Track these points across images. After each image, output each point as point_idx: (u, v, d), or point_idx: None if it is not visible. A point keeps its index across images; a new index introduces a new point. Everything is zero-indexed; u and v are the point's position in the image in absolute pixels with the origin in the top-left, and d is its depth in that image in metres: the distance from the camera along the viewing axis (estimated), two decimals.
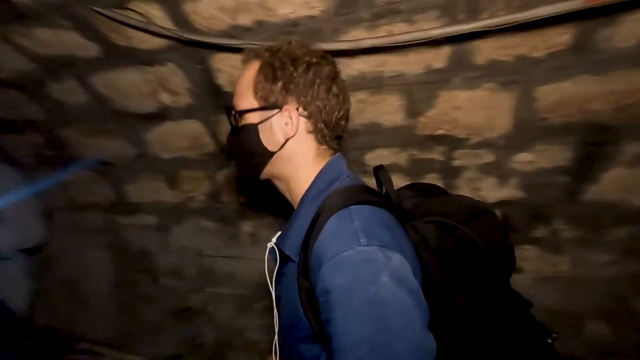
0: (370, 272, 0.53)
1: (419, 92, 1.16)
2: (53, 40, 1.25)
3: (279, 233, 0.73)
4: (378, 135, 1.31)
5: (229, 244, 1.80)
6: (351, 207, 0.59)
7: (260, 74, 0.68)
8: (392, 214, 0.64)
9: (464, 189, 1.36)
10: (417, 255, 0.62)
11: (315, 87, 0.67)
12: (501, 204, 1.36)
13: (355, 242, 0.54)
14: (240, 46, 1.06)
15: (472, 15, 0.94)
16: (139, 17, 1.08)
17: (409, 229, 0.65)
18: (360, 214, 0.59)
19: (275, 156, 0.69)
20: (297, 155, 0.69)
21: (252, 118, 0.69)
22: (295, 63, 0.67)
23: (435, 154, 1.32)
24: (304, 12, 1.01)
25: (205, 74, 1.27)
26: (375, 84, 1.17)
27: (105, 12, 1.05)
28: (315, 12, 1.01)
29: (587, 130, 1.12)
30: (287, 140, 0.68)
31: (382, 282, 0.52)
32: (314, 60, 0.68)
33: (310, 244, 0.58)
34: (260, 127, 0.68)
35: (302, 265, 0.60)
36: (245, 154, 0.72)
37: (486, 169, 1.30)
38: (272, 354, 0.73)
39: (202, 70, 1.27)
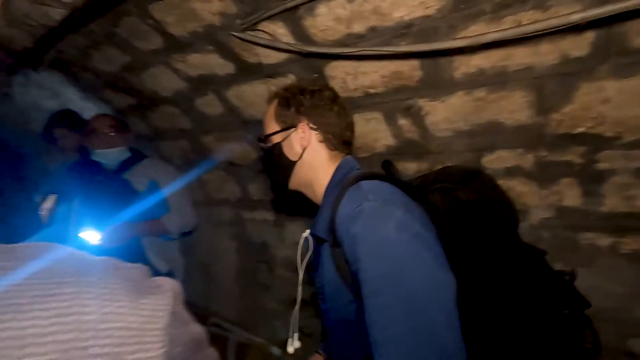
0: (378, 220, 0.66)
1: (553, 85, 1.03)
2: (200, 63, 1.51)
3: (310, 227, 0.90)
4: (498, 135, 1.20)
5: None
6: (361, 181, 0.75)
7: (279, 106, 0.91)
8: (401, 188, 0.77)
9: (612, 197, 1.15)
10: (431, 220, 0.73)
11: (319, 107, 0.89)
12: None
13: (364, 199, 0.69)
14: (353, 54, 1.11)
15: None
16: (266, 36, 1.22)
17: (420, 200, 0.77)
18: (369, 183, 0.74)
19: (297, 164, 0.89)
20: (314, 161, 0.89)
21: (276, 139, 0.91)
22: (303, 92, 0.90)
23: (573, 155, 1.14)
24: (419, 12, 1.00)
25: (320, 81, 1.36)
26: (497, 79, 1.08)
27: (240, 35, 1.22)
28: (430, 11, 0.98)
29: None
30: (304, 150, 0.89)
31: (389, 229, 0.64)
32: (317, 88, 0.91)
33: (333, 218, 0.73)
34: (283, 143, 0.90)
35: (332, 238, 0.74)
36: (274, 167, 0.93)
37: None
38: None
39: (317, 79, 1.36)
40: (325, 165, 0.89)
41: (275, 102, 0.93)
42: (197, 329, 0.30)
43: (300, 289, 0.93)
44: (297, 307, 0.95)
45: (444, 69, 1.12)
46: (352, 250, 0.66)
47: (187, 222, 1.92)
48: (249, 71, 1.46)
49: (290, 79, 1.41)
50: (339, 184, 0.80)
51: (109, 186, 1.81)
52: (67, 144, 2.04)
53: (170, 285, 0.29)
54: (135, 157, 1.90)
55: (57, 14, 1.37)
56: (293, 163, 0.89)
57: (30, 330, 0.21)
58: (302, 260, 0.92)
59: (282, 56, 1.31)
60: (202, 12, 1.22)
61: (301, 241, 0.92)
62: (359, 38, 1.13)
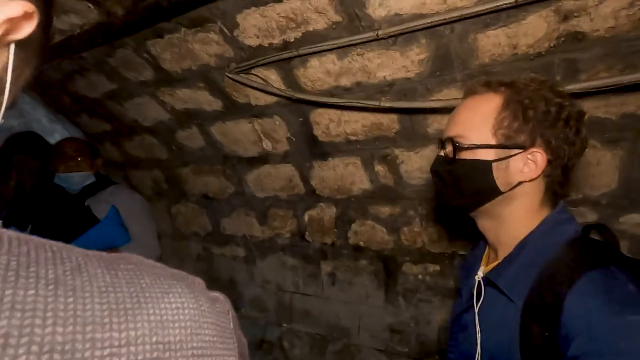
0: None
1: None
2: (188, 97, 1.56)
3: (482, 269, 0.74)
4: None
5: (308, 282, 1.88)
6: (612, 266, 0.57)
7: (507, 111, 0.65)
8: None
9: None
10: None
11: (567, 129, 0.63)
12: None
13: (637, 306, 0.52)
14: (341, 104, 1.22)
15: (572, 77, 0.96)
16: (259, 80, 1.30)
17: None
18: (629, 277, 0.56)
19: (502, 196, 0.67)
20: (525, 198, 0.67)
21: (484, 154, 0.66)
22: (548, 103, 0.63)
23: None
24: (401, 74, 1.13)
25: (304, 125, 1.45)
26: None
27: (235, 77, 1.30)
28: (411, 74, 1.12)
29: None
30: (520, 182, 0.65)
31: None
32: (565, 101, 0.64)
33: (555, 290, 0.57)
34: (495, 165, 0.65)
35: (533, 310, 0.59)
36: (465, 187, 0.69)
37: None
38: None
39: (302, 123, 1.45)
40: (535, 208, 0.67)
41: (497, 100, 0.66)
42: (244, 338, 0.34)
43: (479, 349, 0.68)
44: None
45: (419, 124, 1.24)
46: (591, 356, 0.51)
47: (149, 255, 1.84)
48: (236, 110, 1.52)
49: (275, 120, 1.49)
50: (550, 239, 0.64)
51: (68, 212, 1.73)
52: (24, 170, 1.94)
53: (221, 295, 0.34)
54: (101, 184, 1.84)
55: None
56: (499, 194, 0.66)
57: (165, 317, 0.26)
58: (477, 310, 0.70)
59: (272, 99, 1.40)
60: (200, 53, 1.29)
61: (475, 285, 0.72)
62: (345, 90, 1.25)
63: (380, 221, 1.57)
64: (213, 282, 2.21)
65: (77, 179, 1.76)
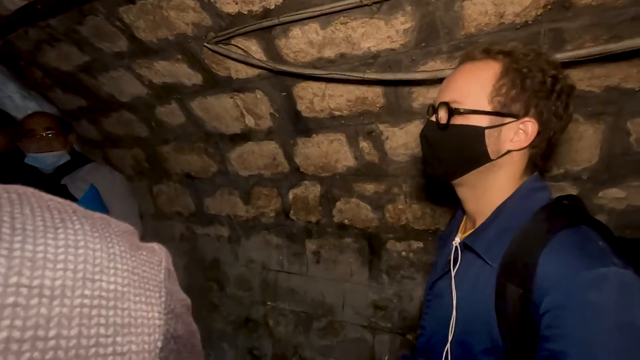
0: (626, 297, 0.50)
1: None
2: (166, 70, 1.49)
3: (460, 235, 0.75)
4: None
5: (293, 261, 1.87)
6: (583, 226, 0.59)
7: (505, 78, 0.64)
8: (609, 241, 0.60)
9: None
10: None
11: (559, 102, 0.65)
12: None
13: (610, 261, 0.52)
14: (325, 76, 1.18)
15: (557, 47, 0.94)
16: (239, 52, 1.25)
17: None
18: (598, 235, 0.58)
19: (489, 164, 0.67)
20: (510, 168, 0.68)
21: (478, 120, 0.66)
22: (545, 74, 0.64)
23: None
24: (385, 45, 1.09)
25: (288, 100, 1.41)
26: None
27: (213, 47, 1.24)
28: (395, 45, 1.09)
29: None
30: (509, 151, 0.66)
31: (637, 314, 0.49)
32: (560, 73, 0.65)
33: (529, 251, 0.58)
34: (488, 131, 0.65)
35: (508, 271, 0.60)
36: (455, 154, 0.69)
37: None
38: None
39: (285, 97, 1.41)
40: (516, 177, 0.69)
41: (496, 67, 0.66)
42: (185, 296, 0.31)
43: (454, 317, 0.68)
44: (448, 345, 0.69)
45: (404, 98, 1.22)
46: (566, 314, 0.52)
47: None
48: (217, 84, 1.46)
49: (257, 95, 1.44)
50: (527, 204, 0.65)
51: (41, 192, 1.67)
52: None
53: (161, 247, 0.31)
54: (77, 161, 1.77)
55: (12, 3, 1.29)
56: (488, 161, 0.67)
57: (41, 255, 0.21)
58: (453, 273, 0.71)
59: (253, 72, 1.35)
60: (176, 20, 1.22)
61: (452, 251, 0.73)
62: (329, 62, 1.20)
63: (365, 199, 1.56)
64: (197, 263, 2.19)
65: (50, 159, 1.69)
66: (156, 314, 0.26)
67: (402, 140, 1.33)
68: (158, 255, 0.29)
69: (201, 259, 2.17)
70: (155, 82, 1.58)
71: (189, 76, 1.47)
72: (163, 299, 0.27)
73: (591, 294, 0.51)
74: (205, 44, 1.24)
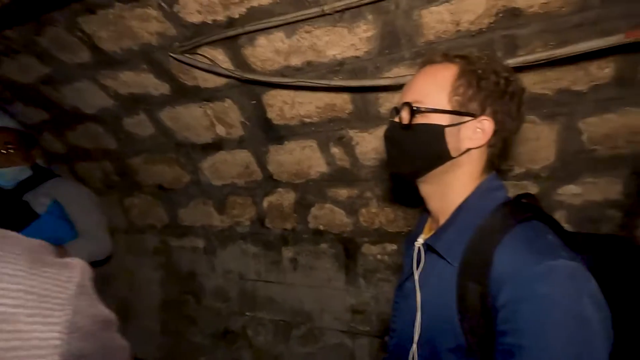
0: (574, 288, 0.53)
1: None
2: (132, 81, 1.46)
3: (422, 236, 0.77)
4: None
5: (270, 269, 1.86)
6: (534, 221, 0.63)
7: (462, 79, 0.68)
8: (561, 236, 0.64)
9: None
10: None
11: (512, 103, 0.68)
12: None
13: (558, 254, 0.55)
14: (292, 84, 1.19)
15: (510, 52, 0.99)
16: (206, 61, 1.24)
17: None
18: (549, 229, 0.62)
19: (450, 162, 0.70)
20: (470, 166, 0.71)
21: (438, 119, 0.68)
22: (498, 75, 0.68)
23: None
24: (350, 53, 1.12)
25: (258, 108, 1.41)
26: None
27: (179, 57, 1.22)
28: (360, 52, 1.11)
29: (638, 163, 1.09)
30: (468, 149, 0.69)
31: (585, 303, 0.52)
32: (511, 76, 0.69)
33: (484, 248, 0.61)
34: (448, 130, 0.68)
35: (467, 269, 0.62)
36: (418, 152, 0.71)
37: None
38: None
39: (255, 106, 1.40)
40: (475, 175, 0.71)
41: (454, 69, 0.69)
42: (107, 312, 0.30)
43: (419, 318, 0.70)
44: (414, 345, 0.70)
45: (371, 104, 1.24)
46: (519, 308, 0.54)
47: (98, 250, 1.73)
48: (185, 93, 1.45)
49: (227, 104, 1.43)
50: (486, 202, 0.68)
51: (2, 208, 1.60)
52: None
53: (78, 262, 0.30)
54: (40, 177, 1.71)
55: None
56: (449, 159, 0.69)
57: None
58: (417, 275, 0.73)
59: (221, 81, 1.34)
60: (139, 30, 1.21)
61: (415, 252, 0.75)
62: (297, 70, 1.21)
63: (339, 204, 1.57)
64: (173, 276, 2.14)
65: (10, 174, 1.63)
66: (55, 334, 0.25)
67: (372, 145, 1.35)
68: (70, 271, 0.28)
69: (177, 272, 2.12)
70: (122, 93, 1.54)
71: (156, 86, 1.45)
72: (66, 317, 0.26)
73: (541, 287, 0.53)
74: (170, 53, 1.23)
